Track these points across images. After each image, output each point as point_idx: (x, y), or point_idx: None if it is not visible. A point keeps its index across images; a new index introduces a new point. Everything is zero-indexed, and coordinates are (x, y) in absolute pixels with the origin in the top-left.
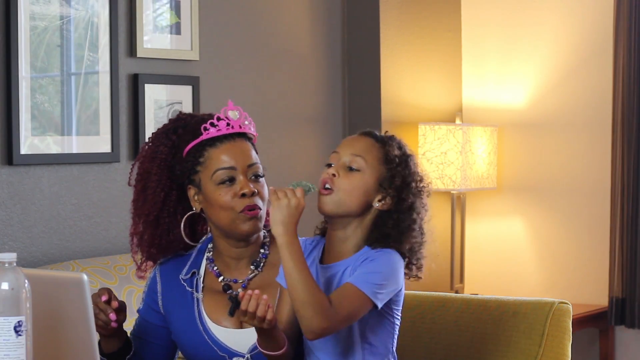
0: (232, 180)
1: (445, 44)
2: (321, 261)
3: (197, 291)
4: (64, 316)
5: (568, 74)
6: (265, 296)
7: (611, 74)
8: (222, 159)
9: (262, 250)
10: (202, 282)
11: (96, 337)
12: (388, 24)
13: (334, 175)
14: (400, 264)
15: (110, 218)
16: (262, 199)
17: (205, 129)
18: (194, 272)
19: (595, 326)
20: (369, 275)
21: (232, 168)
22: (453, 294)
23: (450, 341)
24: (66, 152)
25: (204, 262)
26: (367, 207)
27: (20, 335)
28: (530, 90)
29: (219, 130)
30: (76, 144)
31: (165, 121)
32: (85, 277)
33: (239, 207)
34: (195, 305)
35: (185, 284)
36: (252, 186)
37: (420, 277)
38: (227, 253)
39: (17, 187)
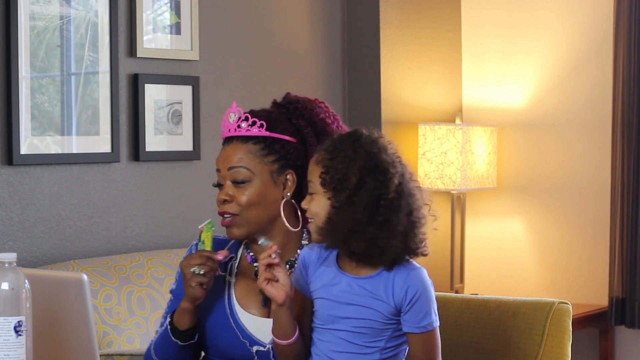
0: (221, 183)
1: (445, 44)
2: (341, 265)
3: (230, 274)
4: (64, 316)
5: (568, 74)
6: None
7: (611, 74)
8: (216, 161)
9: (299, 251)
10: (237, 267)
11: (96, 336)
12: (388, 24)
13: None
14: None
15: (110, 218)
16: (240, 204)
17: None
18: (232, 257)
19: (595, 326)
20: (431, 309)
21: (218, 171)
22: (453, 294)
23: (450, 341)
24: (66, 152)
25: (242, 246)
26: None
27: (20, 335)
28: (530, 90)
29: (222, 134)
30: (76, 144)
31: (165, 121)
32: (85, 277)
33: (219, 211)
34: (227, 288)
35: (219, 267)
36: (229, 193)
37: (426, 254)
38: (251, 248)
39: (17, 187)
